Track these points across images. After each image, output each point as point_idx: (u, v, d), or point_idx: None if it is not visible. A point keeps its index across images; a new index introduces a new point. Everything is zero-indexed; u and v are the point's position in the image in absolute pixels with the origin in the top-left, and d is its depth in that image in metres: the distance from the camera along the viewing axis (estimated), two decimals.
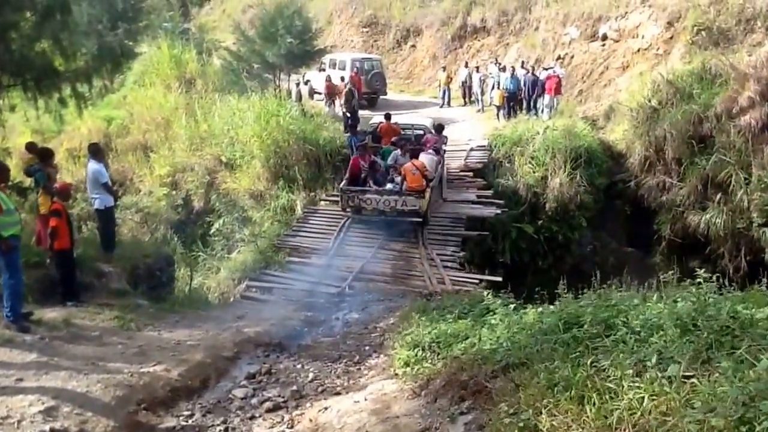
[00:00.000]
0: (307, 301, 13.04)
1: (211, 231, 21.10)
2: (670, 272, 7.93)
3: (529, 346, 6.08)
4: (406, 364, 7.33)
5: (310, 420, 6.82)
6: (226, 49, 29.70)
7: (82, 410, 6.60)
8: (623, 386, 4.52)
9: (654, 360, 4.78)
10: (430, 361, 7.16)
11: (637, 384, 4.51)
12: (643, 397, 4.28)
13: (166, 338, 9.57)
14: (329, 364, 8.82)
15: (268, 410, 7.28)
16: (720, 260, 17.87)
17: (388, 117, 19.57)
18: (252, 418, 7.14)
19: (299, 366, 8.73)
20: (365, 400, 6.85)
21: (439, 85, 29.18)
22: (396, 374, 7.41)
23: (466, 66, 28.95)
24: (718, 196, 17.83)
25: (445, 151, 18.82)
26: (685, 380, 4.41)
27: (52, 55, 13.96)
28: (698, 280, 6.25)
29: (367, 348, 9.53)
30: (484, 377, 5.90)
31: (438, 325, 7.98)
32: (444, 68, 29.63)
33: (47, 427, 6.12)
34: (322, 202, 19.65)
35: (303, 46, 26.61)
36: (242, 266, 18.29)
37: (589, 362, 5.08)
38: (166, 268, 13.48)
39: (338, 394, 7.55)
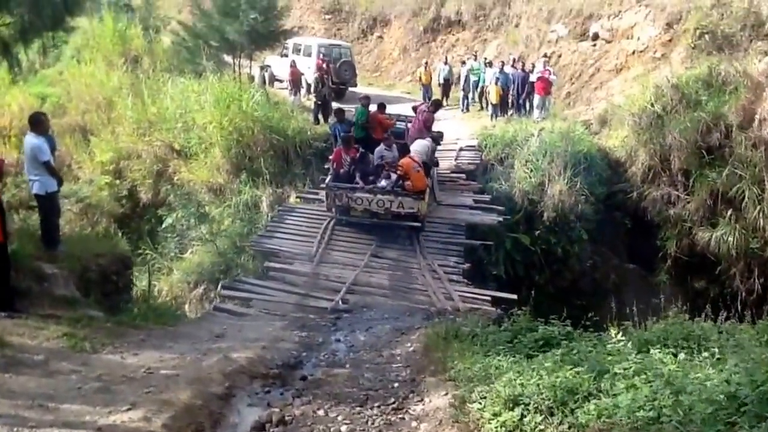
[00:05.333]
0: (294, 317, 10.86)
1: (163, 226, 18.64)
2: None
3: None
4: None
5: None
6: (180, 23, 26.99)
7: None
8: None
9: None
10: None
11: None
12: None
13: (133, 365, 7.19)
14: (358, 408, 6.58)
15: None
16: (730, 281, 16.58)
17: (382, 107, 17.50)
18: None
19: (320, 411, 6.47)
20: None
21: (420, 83, 26.79)
22: None
23: (446, 62, 26.88)
24: (729, 212, 16.38)
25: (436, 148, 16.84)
26: None
27: None
28: None
29: (396, 385, 7.32)
30: None
31: (538, 373, 5.80)
32: (426, 64, 27.27)
33: None
34: (292, 199, 17.50)
35: (268, 25, 24.14)
36: (198, 268, 16.21)
37: None
38: (122, 270, 10.92)
39: None
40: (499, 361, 6.44)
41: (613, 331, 6.33)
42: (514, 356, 6.88)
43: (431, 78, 26.54)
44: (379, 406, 6.68)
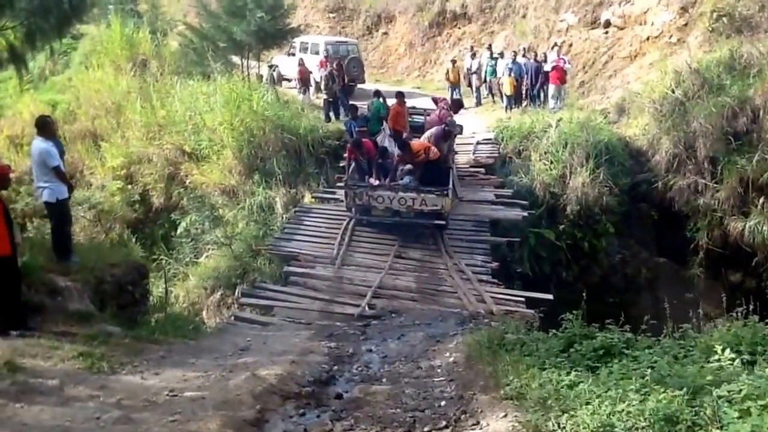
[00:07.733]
0: (320, 325, 10.39)
1: (178, 232, 18.17)
2: None
3: None
4: None
5: None
6: (187, 24, 26.67)
7: None
8: None
9: None
10: None
11: None
12: None
13: (154, 386, 6.66)
14: None
15: None
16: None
17: (400, 95, 17.02)
18: None
19: None
20: None
21: (449, 82, 25.46)
22: None
23: (473, 54, 25.91)
24: (761, 201, 15.68)
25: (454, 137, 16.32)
26: None
27: None
28: None
29: (443, 404, 6.64)
30: None
31: (625, 396, 4.99)
32: (453, 63, 25.96)
33: None
34: (307, 200, 17.13)
35: (275, 23, 23.79)
36: (214, 273, 15.70)
37: None
38: (138, 280, 10.39)
39: None
40: (569, 378, 5.83)
41: (718, 347, 5.58)
42: (574, 369, 6.26)
43: (459, 77, 25.47)
44: (429, 431, 6.09)
